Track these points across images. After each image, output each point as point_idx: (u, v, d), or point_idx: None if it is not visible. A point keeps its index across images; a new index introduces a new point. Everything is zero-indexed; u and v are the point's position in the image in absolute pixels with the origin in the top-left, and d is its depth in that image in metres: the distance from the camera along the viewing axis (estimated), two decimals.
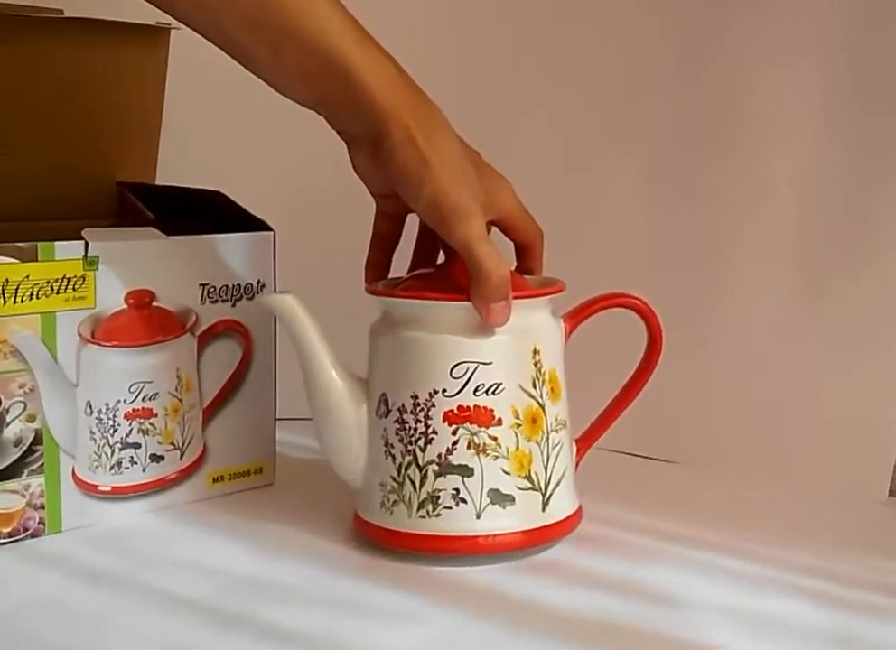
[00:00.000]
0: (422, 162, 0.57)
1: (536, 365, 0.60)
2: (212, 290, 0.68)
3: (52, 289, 0.61)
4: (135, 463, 0.66)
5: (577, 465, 0.65)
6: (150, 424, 0.66)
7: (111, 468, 0.65)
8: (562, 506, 0.61)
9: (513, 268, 0.65)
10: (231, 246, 0.69)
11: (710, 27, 0.78)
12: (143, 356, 0.65)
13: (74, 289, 0.62)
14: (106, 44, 0.73)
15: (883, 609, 0.56)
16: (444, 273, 0.61)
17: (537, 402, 0.60)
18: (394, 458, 0.60)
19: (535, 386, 0.60)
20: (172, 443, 0.67)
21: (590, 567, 0.60)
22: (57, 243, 0.61)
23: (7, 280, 0.59)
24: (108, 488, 0.65)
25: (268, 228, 0.70)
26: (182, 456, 0.68)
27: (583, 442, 0.66)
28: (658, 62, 0.79)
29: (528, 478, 0.60)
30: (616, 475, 0.74)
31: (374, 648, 0.51)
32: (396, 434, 0.60)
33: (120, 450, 0.65)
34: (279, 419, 0.73)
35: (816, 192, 0.76)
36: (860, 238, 0.74)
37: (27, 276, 0.60)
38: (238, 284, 0.69)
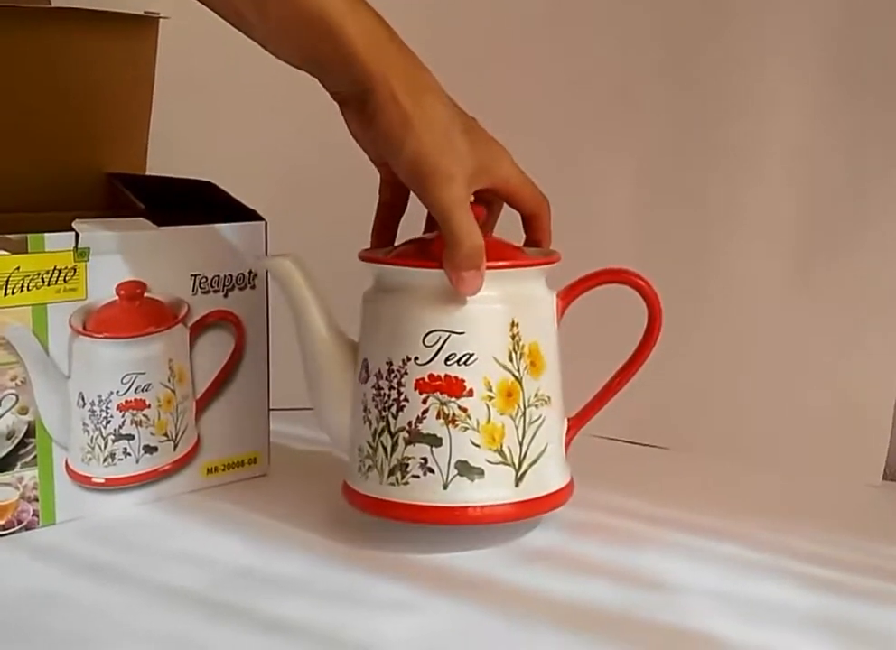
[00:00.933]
0: (403, 123, 0.57)
1: (513, 337, 0.59)
2: (204, 280, 0.68)
3: (43, 281, 0.61)
4: (129, 455, 0.66)
5: (567, 444, 0.64)
6: (143, 416, 0.66)
7: (105, 459, 0.65)
8: (540, 483, 0.61)
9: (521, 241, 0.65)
10: (222, 236, 0.69)
11: (704, 14, 0.78)
12: (135, 347, 0.65)
13: (65, 280, 0.62)
14: (94, 34, 0.72)
15: (877, 593, 0.56)
16: (438, 239, 0.60)
17: (514, 375, 0.59)
18: (370, 423, 0.60)
19: (511, 359, 0.59)
20: (166, 434, 0.67)
21: (583, 553, 0.61)
22: (47, 234, 0.61)
23: None
24: (102, 480, 0.65)
25: (259, 218, 0.70)
26: (175, 447, 0.68)
27: (576, 421, 0.65)
28: (653, 46, 0.79)
29: (500, 452, 0.59)
30: (609, 461, 0.74)
31: (369, 637, 0.51)
32: (373, 400, 0.60)
33: (113, 441, 0.65)
34: (273, 409, 0.73)
35: (810, 176, 0.76)
36: (853, 223, 0.75)
37: (17, 268, 0.60)
38: (230, 274, 0.69)
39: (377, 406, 0.60)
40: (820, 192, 0.75)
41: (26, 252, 0.60)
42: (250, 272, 0.70)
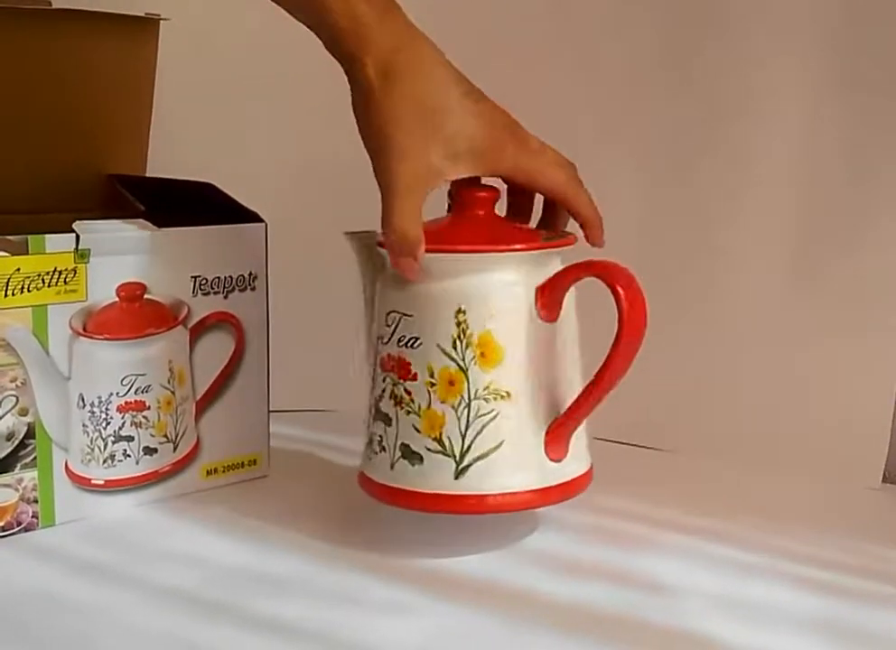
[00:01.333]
0: (368, 98, 0.57)
1: (458, 325, 0.57)
2: (204, 282, 0.68)
3: (44, 282, 0.61)
4: (129, 456, 0.66)
5: (548, 447, 0.59)
6: (143, 417, 0.66)
7: (104, 461, 0.65)
8: (491, 481, 0.58)
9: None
10: (223, 238, 0.69)
11: (704, 13, 0.78)
12: (135, 348, 0.65)
13: (65, 282, 0.62)
14: (95, 36, 0.72)
15: (876, 596, 0.56)
16: (451, 220, 0.60)
17: (457, 364, 0.57)
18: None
19: (455, 348, 0.57)
20: (166, 436, 0.67)
21: (583, 556, 0.61)
22: (48, 236, 0.61)
23: None
24: (102, 482, 0.65)
25: (260, 220, 0.70)
26: (175, 448, 0.68)
27: (555, 428, 0.59)
28: (653, 46, 0.79)
29: (439, 441, 0.58)
30: (607, 463, 0.74)
31: (367, 639, 0.51)
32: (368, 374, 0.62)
33: (113, 443, 0.65)
34: (272, 411, 0.73)
35: (810, 176, 0.76)
36: (852, 224, 0.75)
37: (18, 269, 0.60)
38: (230, 276, 0.69)
39: (368, 380, 0.62)
40: (820, 192, 0.75)
41: (27, 253, 0.60)
42: (250, 273, 0.70)
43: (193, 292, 0.68)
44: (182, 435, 0.68)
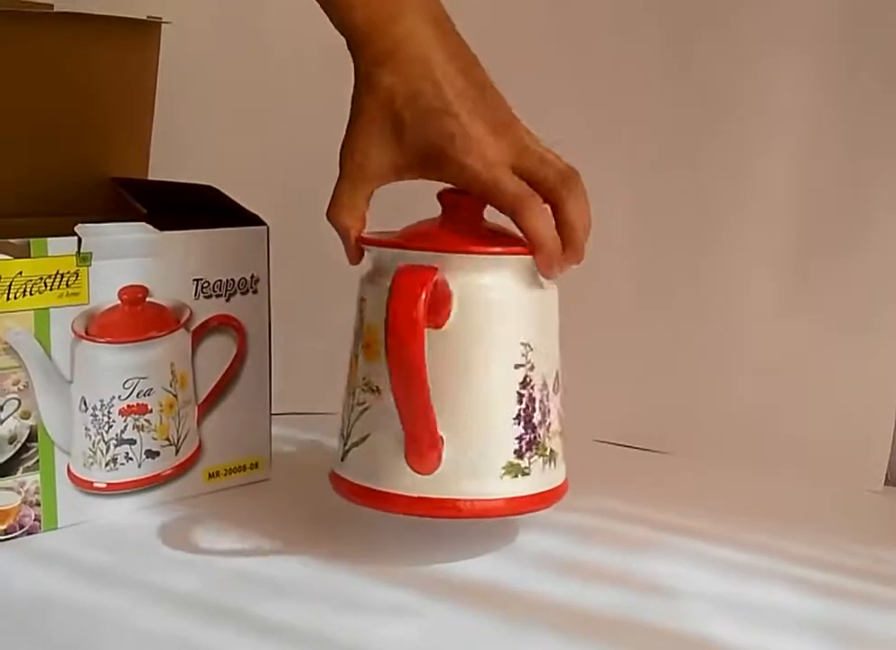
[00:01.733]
0: (353, 96, 0.59)
1: (360, 313, 0.60)
2: (206, 285, 0.68)
3: (46, 285, 0.61)
4: (131, 459, 0.66)
5: (407, 457, 0.56)
6: (145, 420, 0.66)
7: (106, 464, 0.65)
8: (353, 471, 0.59)
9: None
10: (225, 241, 0.69)
11: (704, 15, 0.78)
12: (137, 351, 0.65)
13: (67, 285, 0.62)
14: (96, 39, 0.72)
15: (877, 598, 0.56)
16: (436, 221, 0.61)
17: (355, 351, 0.60)
18: None
19: (358, 335, 0.60)
20: (168, 439, 0.67)
21: (581, 558, 0.61)
22: (50, 239, 0.61)
23: (0, 276, 0.59)
24: (104, 485, 0.65)
25: (262, 223, 0.70)
26: (177, 452, 0.68)
27: (407, 437, 0.56)
28: (649, 50, 0.79)
29: (342, 420, 0.60)
30: (607, 465, 0.74)
31: (366, 641, 0.51)
32: None
33: (115, 446, 0.65)
34: (274, 414, 0.73)
35: (809, 178, 0.76)
36: (852, 226, 0.75)
37: (20, 273, 0.60)
38: (232, 279, 0.69)
39: None
40: (820, 192, 0.75)
41: (29, 256, 0.60)
42: (252, 276, 0.70)
43: (195, 295, 0.68)
44: (183, 438, 0.68)
